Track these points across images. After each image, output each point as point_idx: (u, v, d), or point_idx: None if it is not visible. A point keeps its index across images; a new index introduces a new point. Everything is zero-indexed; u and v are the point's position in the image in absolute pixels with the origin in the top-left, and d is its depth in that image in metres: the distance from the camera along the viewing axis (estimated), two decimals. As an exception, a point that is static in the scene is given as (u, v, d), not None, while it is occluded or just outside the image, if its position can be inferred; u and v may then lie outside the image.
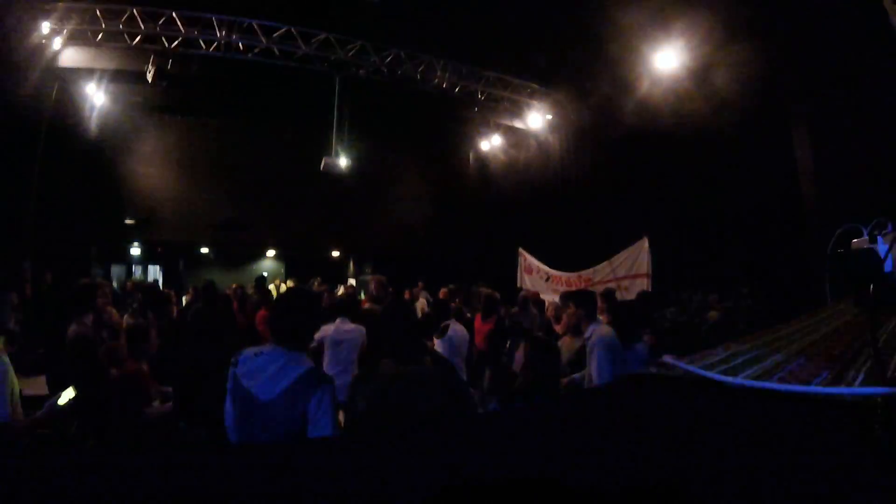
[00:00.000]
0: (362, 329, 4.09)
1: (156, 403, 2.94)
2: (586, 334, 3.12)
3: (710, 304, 5.98)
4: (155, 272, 14.06)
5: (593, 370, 2.90)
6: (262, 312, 5.30)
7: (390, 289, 5.17)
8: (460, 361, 3.97)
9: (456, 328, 4.10)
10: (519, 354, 3.19)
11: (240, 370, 1.82)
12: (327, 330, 4.02)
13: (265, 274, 13.46)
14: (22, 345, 3.85)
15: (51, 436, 2.56)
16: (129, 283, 8.96)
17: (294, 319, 1.88)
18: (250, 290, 6.65)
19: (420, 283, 8.04)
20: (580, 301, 3.22)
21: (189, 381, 2.90)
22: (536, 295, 6.48)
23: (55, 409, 2.17)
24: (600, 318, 3.55)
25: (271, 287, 9.51)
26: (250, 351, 1.87)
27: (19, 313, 2.24)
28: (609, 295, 5.43)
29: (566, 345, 3.81)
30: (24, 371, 3.42)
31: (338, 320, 4.07)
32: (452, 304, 5.19)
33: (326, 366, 3.91)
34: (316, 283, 8.90)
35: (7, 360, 2.09)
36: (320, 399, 1.74)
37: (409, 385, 1.92)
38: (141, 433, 2.66)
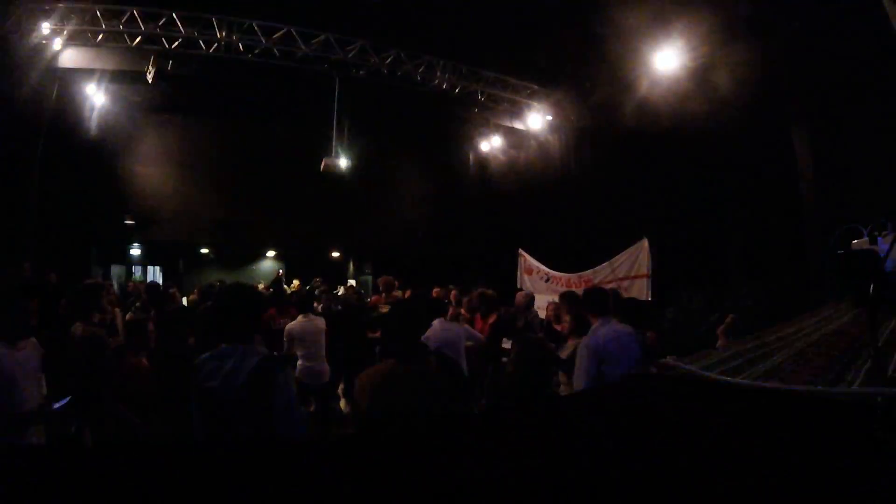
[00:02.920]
0: (322, 321, 4.65)
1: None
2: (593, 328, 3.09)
3: (709, 304, 5.99)
4: (154, 272, 14.04)
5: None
6: (271, 311, 5.46)
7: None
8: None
9: (446, 326, 4.12)
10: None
11: (200, 376, 1.87)
12: (292, 326, 4.56)
13: (281, 271, 13.45)
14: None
15: (51, 436, 2.56)
16: (129, 284, 8.96)
17: (235, 316, 1.97)
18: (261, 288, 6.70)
19: (396, 283, 7.85)
20: (589, 298, 3.19)
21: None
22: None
23: (47, 411, 2.21)
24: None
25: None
26: (205, 356, 1.94)
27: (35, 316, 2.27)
28: (613, 295, 5.43)
29: (571, 347, 3.79)
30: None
31: (300, 317, 4.59)
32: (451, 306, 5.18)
33: (301, 355, 4.47)
34: (317, 283, 8.90)
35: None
36: (281, 381, 1.86)
37: (411, 384, 1.93)
38: (141, 429, 2.67)
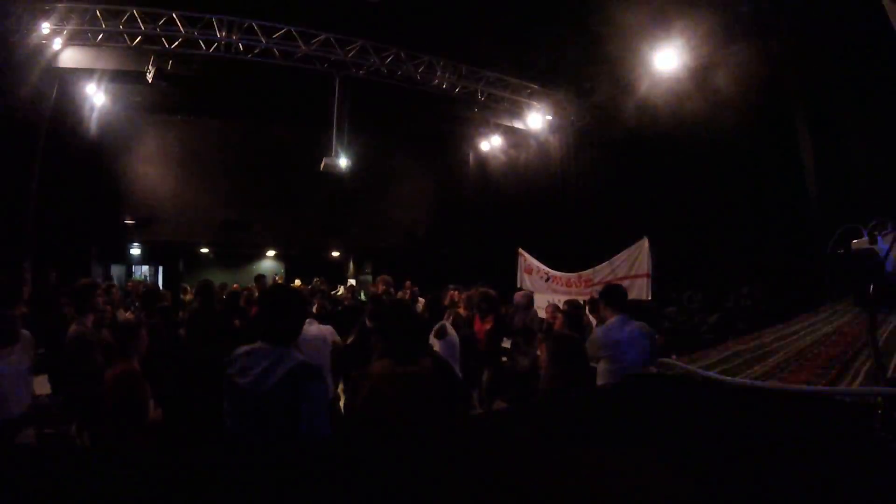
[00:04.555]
0: (331, 329, 4.21)
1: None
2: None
3: (709, 304, 5.99)
4: (148, 271, 13.95)
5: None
6: (255, 309, 5.38)
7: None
8: (455, 363, 4.01)
9: (451, 329, 4.14)
10: (540, 354, 3.21)
11: (232, 370, 1.85)
12: None
13: (279, 275, 13.42)
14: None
15: (51, 436, 2.56)
16: (129, 283, 8.97)
17: (280, 317, 1.93)
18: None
19: (407, 283, 7.92)
20: (609, 294, 3.32)
21: (180, 380, 2.89)
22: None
23: (39, 404, 2.20)
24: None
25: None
26: (241, 350, 1.91)
27: (25, 320, 2.25)
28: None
29: None
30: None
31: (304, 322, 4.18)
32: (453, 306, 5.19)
33: None
34: (317, 283, 8.90)
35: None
36: (313, 392, 1.79)
37: (406, 385, 1.93)
38: (140, 432, 2.66)
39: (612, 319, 3.16)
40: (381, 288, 5.41)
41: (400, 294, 7.09)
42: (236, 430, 1.83)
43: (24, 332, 2.32)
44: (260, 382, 1.78)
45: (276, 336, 1.89)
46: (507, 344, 5.77)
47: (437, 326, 4.09)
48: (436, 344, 3.94)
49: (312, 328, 4.12)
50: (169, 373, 3.22)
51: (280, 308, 1.96)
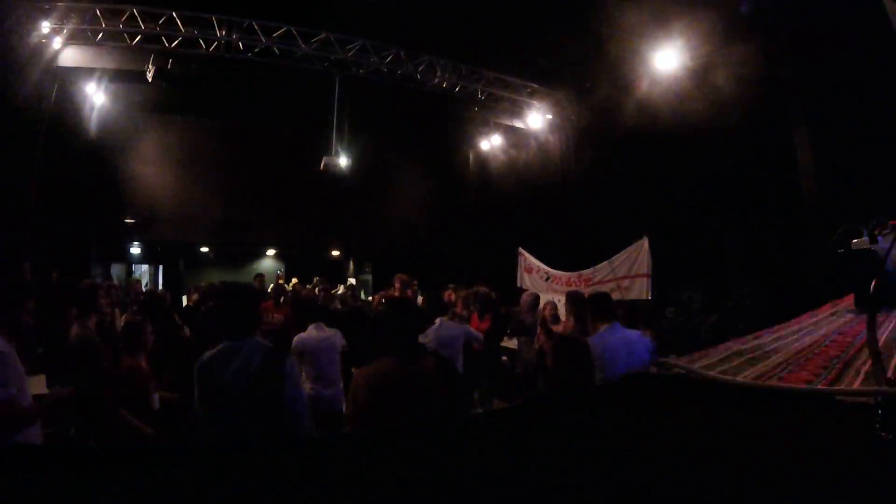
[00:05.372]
0: (338, 332, 4.02)
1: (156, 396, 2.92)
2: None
3: (709, 304, 6.00)
4: (145, 271, 13.92)
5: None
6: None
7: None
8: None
9: (446, 325, 4.09)
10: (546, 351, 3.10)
11: (204, 373, 1.90)
12: (305, 338, 3.86)
13: (279, 273, 13.43)
14: (24, 343, 3.84)
15: (51, 436, 2.56)
16: (130, 283, 8.95)
17: (241, 312, 2.05)
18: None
19: (414, 283, 7.91)
20: (594, 304, 3.11)
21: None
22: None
23: (58, 393, 2.24)
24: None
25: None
26: (209, 354, 1.97)
27: (31, 316, 2.24)
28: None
29: None
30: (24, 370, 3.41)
31: (311, 327, 3.91)
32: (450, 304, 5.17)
33: (309, 377, 3.75)
34: (316, 282, 8.90)
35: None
36: (290, 369, 1.96)
37: (409, 384, 1.93)
38: (144, 428, 2.66)
39: (603, 328, 2.97)
40: (396, 287, 5.22)
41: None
42: (218, 428, 1.86)
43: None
44: (241, 376, 1.85)
45: (242, 330, 1.98)
46: (507, 343, 5.78)
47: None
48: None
49: (323, 334, 3.89)
50: (178, 371, 3.23)
51: (238, 304, 2.07)
